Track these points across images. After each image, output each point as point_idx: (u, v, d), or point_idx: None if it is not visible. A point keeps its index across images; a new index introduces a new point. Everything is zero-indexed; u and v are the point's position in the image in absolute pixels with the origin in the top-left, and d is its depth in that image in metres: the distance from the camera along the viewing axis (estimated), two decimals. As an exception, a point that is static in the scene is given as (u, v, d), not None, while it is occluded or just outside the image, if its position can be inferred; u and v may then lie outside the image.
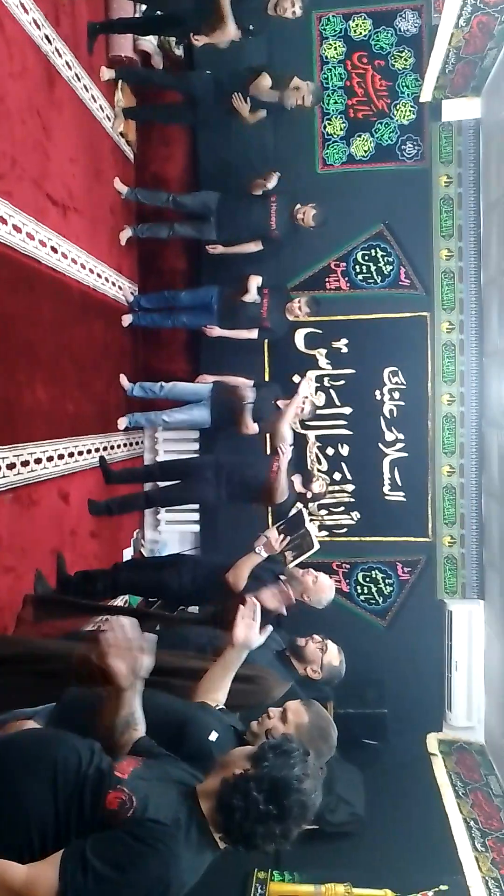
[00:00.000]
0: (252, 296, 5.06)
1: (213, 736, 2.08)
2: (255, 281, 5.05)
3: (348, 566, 5.69)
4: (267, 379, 5.54)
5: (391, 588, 5.67)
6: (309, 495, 4.63)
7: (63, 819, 1.56)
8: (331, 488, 5.53)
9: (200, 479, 4.62)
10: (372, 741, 5.10)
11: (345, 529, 5.69)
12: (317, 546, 3.59)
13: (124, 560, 5.09)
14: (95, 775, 1.61)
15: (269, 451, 5.02)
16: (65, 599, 3.67)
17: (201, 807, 1.63)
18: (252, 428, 4.93)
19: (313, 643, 3.03)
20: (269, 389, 5.10)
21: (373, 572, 5.68)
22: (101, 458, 4.77)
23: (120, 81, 5.10)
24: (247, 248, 5.22)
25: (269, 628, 2.44)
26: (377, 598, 5.68)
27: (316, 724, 2.21)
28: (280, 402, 4.95)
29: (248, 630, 2.35)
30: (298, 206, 5.04)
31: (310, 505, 4.72)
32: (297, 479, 4.62)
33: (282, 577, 3.48)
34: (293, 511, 4.51)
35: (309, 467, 5.63)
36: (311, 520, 5.07)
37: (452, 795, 4.86)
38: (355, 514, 5.68)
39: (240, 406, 4.92)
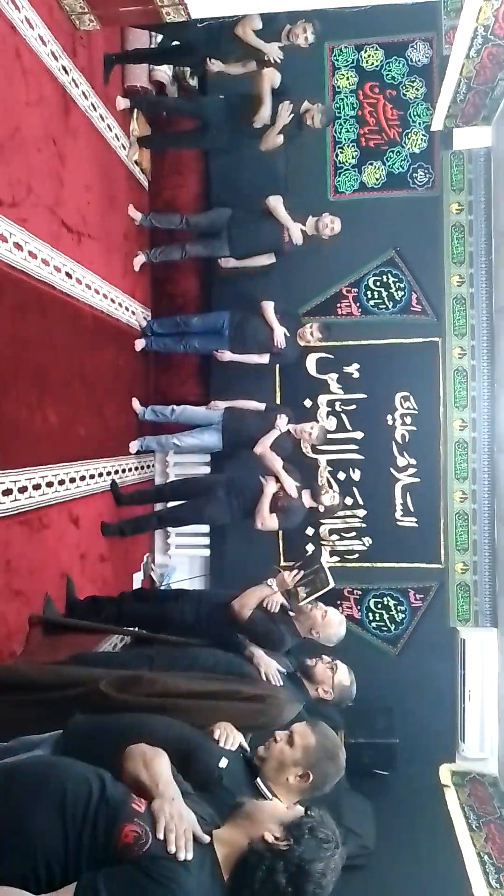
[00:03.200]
0: (281, 335, 5.05)
1: (224, 763, 2.07)
2: (271, 309, 5.06)
3: (359, 592, 5.64)
4: (278, 403, 5.55)
5: (403, 615, 5.61)
6: (321, 509, 4.55)
7: (72, 850, 1.53)
8: (342, 513, 5.50)
9: (211, 497, 4.61)
10: (383, 771, 5.01)
11: (356, 555, 5.64)
12: (332, 584, 3.52)
13: (133, 586, 5.07)
14: (107, 806, 1.58)
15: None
16: (70, 623, 3.64)
17: (216, 850, 1.60)
18: (266, 451, 4.89)
19: (322, 664, 3.00)
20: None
21: (384, 599, 5.63)
22: (113, 481, 4.78)
23: (135, 111, 5.19)
24: (259, 260, 5.26)
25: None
26: (389, 625, 5.62)
27: (322, 744, 2.18)
28: (291, 427, 4.95)
29: None
30: (311, 217, 5.09)
31: (324, 520, 4.64)
32: (306, 495, 4.57)
33: (291, 612, 3.43)
34: (306, 502, 4.54)
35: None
36: (323, 544, 5.06)
37: (465, 828, 4.76)
38: (367, 540, 5.64)
39: (264, 428, 4.91)
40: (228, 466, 5.23)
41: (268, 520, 4.48)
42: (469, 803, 5.05)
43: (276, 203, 5.01)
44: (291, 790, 2.11)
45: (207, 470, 5.60)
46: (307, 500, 4.56)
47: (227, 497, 4.60)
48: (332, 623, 3.34)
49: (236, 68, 4.99)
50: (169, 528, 5.56)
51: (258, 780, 2.12)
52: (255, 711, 2.47)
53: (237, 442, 5.02)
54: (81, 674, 2.73)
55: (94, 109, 4.57)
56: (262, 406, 5.16)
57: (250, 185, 5.20)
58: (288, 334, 5.11)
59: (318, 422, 5.36)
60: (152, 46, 5.28)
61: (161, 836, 1.53)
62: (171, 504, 4.99)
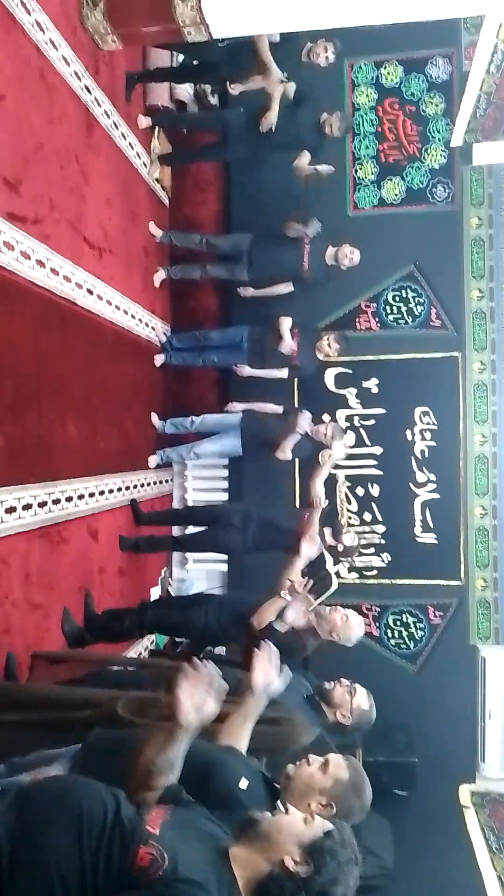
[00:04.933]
0: (287, 345, 5.06)
1: (244, 783, 2.01)
2: (286, 323, 5.07)
3: (378, 609, 5.60)
4: (296, 405, 5.52)
5: (422, 632, 5.55)
6: (340, 548, 4.47)
7: (89, 871, 1.51)
8: (361, 529, 5.48)
9: (228, 527, 4.60)
10: (401, 791, 4.94)
11: (375, 571, 5.61)
12: (335, 586, 3.55)
13: (151, 598, 5.08)
14: (122, 828, 1.55)
15: (299, 504, 5.00)
16: (73, 656, 3.62)
17: (235, 872, 1.56)
18: (287, 454, 4.92)
19: (341, 687, 2.96)
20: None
21: (403, 616, 5.58)
22: (133, 500, 4.80)
23: (156, 129, 5.24)
24: (278, 289, 5.26)
25: (288, 672, 2.38)
26: (407, 642, 5.57)
27: (354, 781, 2.12)
28: (309, 429, 4.94)
29: (266, 675, 2.30)
30: (331, 247, 5.09)
31: (342, 559, 4.60)
32: (327, 532, 4.50)
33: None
34: (328, 540, 4.48)
35: (339, 507, 5.59)
36: (340, 560, 5.02)
37: (486, 850, 4.68)
38: (386, 556, 5.60)
39: (283, 430, 4.91)
40: (246, 481, 5.24)
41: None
42: (489, 825, 4.96)
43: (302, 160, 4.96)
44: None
45: (226, 475, 5.60)
46: (328, 539, 4.47)
47: (243, 528, 4.57)
48: (352, 625, 3.35)
49: (257, 82, 5.03)
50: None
51: (279, 802, 2.09)
52: (271, 734, 2.44)
53: (257, 445, 5.03)
54: (96, 694, 2.70)
55: (116, 128, 4.62)
56: (279, 408, 5.16)
57: (271, 202, 5.23)
58: (295, 348, 5.09)
59: (334, 420, 5.35)
60: (174, 65, 5.34)
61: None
62: (189, 529, 5.01)
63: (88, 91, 4.17)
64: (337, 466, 5.53)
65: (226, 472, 5.61)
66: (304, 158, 5.10)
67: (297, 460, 5.28)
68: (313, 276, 5.17)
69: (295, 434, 4.88)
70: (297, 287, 5.28)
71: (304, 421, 4.92)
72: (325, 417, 5.55)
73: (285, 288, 5.26)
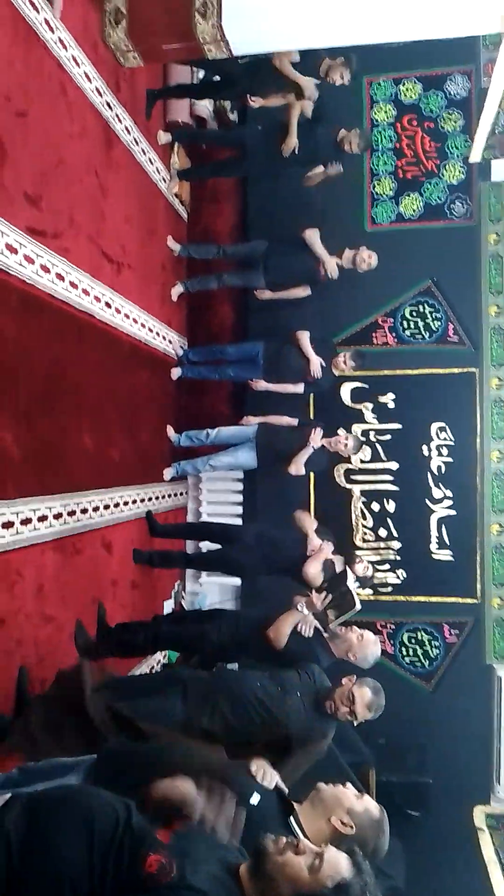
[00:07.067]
0: (316, 365, 5.06)
1: (255, 799, 2.02)
2: (306, 338, 5.06)
3: (393, 626, 5.55)
4: (311, 418, 5.50)
5: (437, 650, 5.49)
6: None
7: (98, 877, 1.51)
8: (376, 545, 5.44)
9: (241, 549, 4.56)
10: (414, 811, 4.88)
11: (390, 588, 5.56)
12: (358, 606, 3.52)
13: (164, 612, 5.07)
14: (132, 835, 1.56)
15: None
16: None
17: (244, 888, 1.57)
18: (300, 469, 4.89)
19: (346, 689, 2.95)
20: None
21: (418, 633, 5.53)
22: (148, 511, 4.80)
23: (176, 145, 5.28)
24: (295, 293, 5.26)
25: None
26: (422, 660, 5.51)
27: (380, 823, 2.11)
28: (324, 441, 4.91)
29: None
30: (349, 250, 5.08)
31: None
32: (338, 561, 4.43)
33: (325, 634, 3.41)
34: (339, 569, 4.43)
35: (354, 523, 5.56)
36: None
37: (500, 874, 4.60)
38: (401, 573, 5.56)
39: (298, 443, 4.89)
40: (262, 509, 5.24)
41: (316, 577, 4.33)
42: (504, 847, 4.88)
43: (312, 236, 5.03)
44: (327, 834, 2.03)
45: (240, 487, 5.59)
46: (339, 568, 4.39)
47: (256, 549, 4.52)
48: (368, 644, 3.34)
49: (277, 100, 5.06)
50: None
51: (291, 818, 2.06)
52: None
53: (271, 458, 5.01)
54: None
55: (137, 144, 4.67)
56: (294, 421, 5.15)
57: (287, 216, 5.24)
58: (324, 364, 5.11)
59: (350, 433, 5.33)
60: (194, 82, 5.39)
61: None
62: (202, 545, 5.00)
63: (109, 107, 4.22)
64: (353, 482, 5.52)
65: (240, 486, 5.59)
66: (317, 171, 5.13)
67: (311, 474, 5.27)
68: (329, 280, 5.15)
69: (308, 448, 4.86)
70: (313, 291, 5.28)
71: (317, 436, 4.88)
72: (341, 432, 5.53)
73: (302, 291, 5.26)
